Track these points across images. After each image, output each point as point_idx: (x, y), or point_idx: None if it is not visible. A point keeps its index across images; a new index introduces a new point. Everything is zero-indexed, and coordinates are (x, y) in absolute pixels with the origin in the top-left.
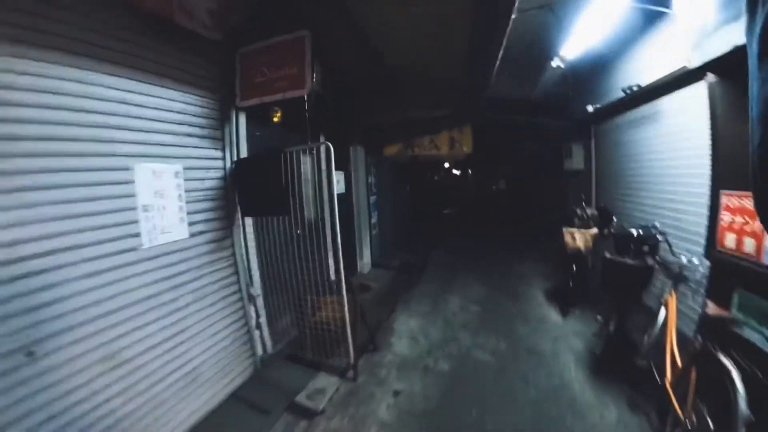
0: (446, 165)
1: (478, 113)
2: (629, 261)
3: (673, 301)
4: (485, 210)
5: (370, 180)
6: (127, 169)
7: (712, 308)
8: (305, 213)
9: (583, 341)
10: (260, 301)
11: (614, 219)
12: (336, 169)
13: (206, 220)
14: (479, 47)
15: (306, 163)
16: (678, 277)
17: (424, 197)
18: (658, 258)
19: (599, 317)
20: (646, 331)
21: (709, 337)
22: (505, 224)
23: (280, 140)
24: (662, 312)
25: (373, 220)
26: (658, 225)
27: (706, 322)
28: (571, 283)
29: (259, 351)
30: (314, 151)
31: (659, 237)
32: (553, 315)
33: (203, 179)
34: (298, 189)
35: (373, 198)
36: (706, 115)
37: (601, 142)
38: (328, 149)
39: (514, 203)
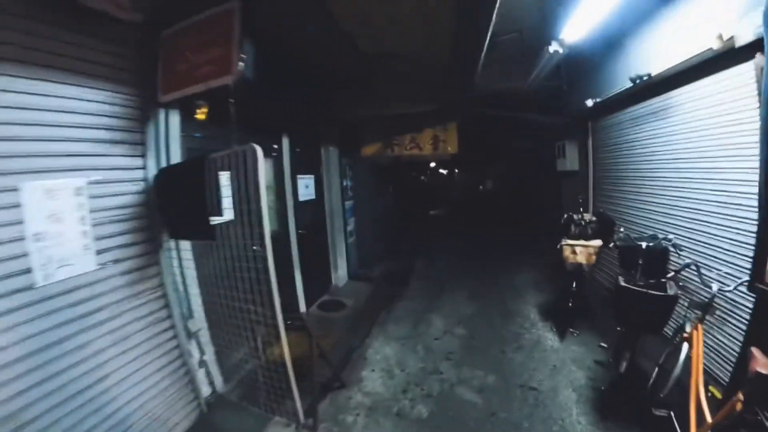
0: (432, 165)
1: (463, 108)
2: (651, 291)
3: (699, 336)
4: (473, 211)
5: (345, 183)
6: (14, 189)
7: (760, 361)
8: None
9: (585, 372)
10: (204, 336)
11: (622, 229)
12: (305, 173)
13: (122, 246)
14: (464, 31)
15: (266, 167)
16: (706, 307)
17: (409, 199)
18: (680, 283)
19: (604, 344)
20: (659, 365)
21: (757, 399)
22: (494, 225)
23: (229, 143)
24: (684, 348)
25: (350, 227)
26: (671, 237)
27: (753, 381)
28: (570, 303)
29: (206, 391)
30: (273, 155)
31: (670, 248)
32: (550, 337)
33: (116, 195)
34: (252, 199)
35: (349, 203)
36: (752, 108)
37: (599, 141)
38: (254, 153)
39: (502, 204)
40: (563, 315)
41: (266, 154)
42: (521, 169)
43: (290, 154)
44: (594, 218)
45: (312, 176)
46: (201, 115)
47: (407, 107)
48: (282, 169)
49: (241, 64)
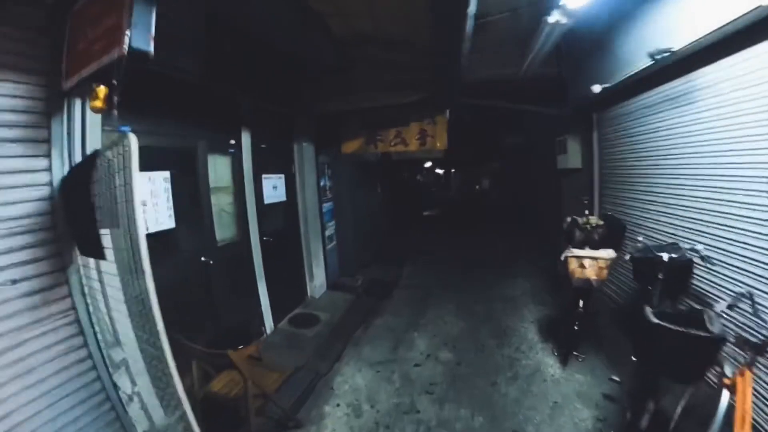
0: (428, 164)
1: (452, 98)
2: (694, 331)
3: (747, 385)
4: (469, 211)
5: (324, 183)
6: None
7: None
8: (215, 234)
9: (592, 410)
10: (136, 364)
11: (640, 238)
12: (272, 171)
13: (23, 263)
14: (442, 5)
15: (222, 165)
16: (761, 348)
17: (401, 199)
18: (721, 314)
19: (616, 378)
20: (683, 407)
21: None
22: (489, 227)
23: (171, 139)
24: (725, 397)
25: (329, 232)
26: (699, 248)
27: None
28: (576, 326)
29: (142, 428)
30: (230, 151)
31: (697, 261)
32: (551, 364)
33: (14, 203)
34: (205, 201)
35: (328, 205)
36: None
37: (606, 134)
38: (127, 143)
39: (498, 204)
40: (567, 338)
41: (221, 151)
42: (518, 167)
43: (252, 150)
44: (601, 222)
45: (282, 175)
46: (97, 102)
47: (390, 98)
48: (241, 168)
49: (128, 33)
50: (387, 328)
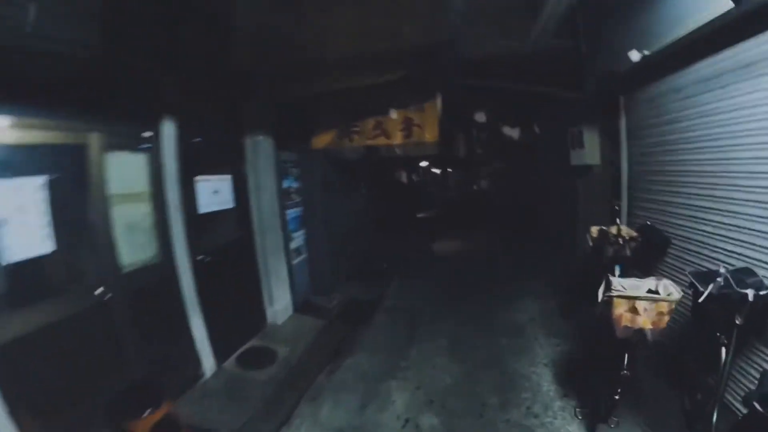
0: (425, 164)
1: (443, 75)
2: None
3: None
4: (467, 212)
5: (288, 185)
6: None
7: None
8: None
9: None
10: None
11: (722, 269)
12: (213, 172)
13: None
14: None
15: (131, 166)
16: None
17: (391, 200)
18: None
19: None
20: None
21: None
22: (491, 231)
23: (50, 131)
24: None
25: (297, 243)
26: None
27: None
28: (618, 392)
29: None
30: (142, 146)
31: None
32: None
33: None
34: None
35: (294, 211)
36: None
37: (638, 121)
38: None
39: (500, 204)
40: (601, 405)
41: (128, 146)
42: (520, 165)
43: (178, 145)
44: (635, 234)
45: (228, 177)
46: None
47: (366, 77)
48: (160, 168)
49: None
50: (358, 372)
